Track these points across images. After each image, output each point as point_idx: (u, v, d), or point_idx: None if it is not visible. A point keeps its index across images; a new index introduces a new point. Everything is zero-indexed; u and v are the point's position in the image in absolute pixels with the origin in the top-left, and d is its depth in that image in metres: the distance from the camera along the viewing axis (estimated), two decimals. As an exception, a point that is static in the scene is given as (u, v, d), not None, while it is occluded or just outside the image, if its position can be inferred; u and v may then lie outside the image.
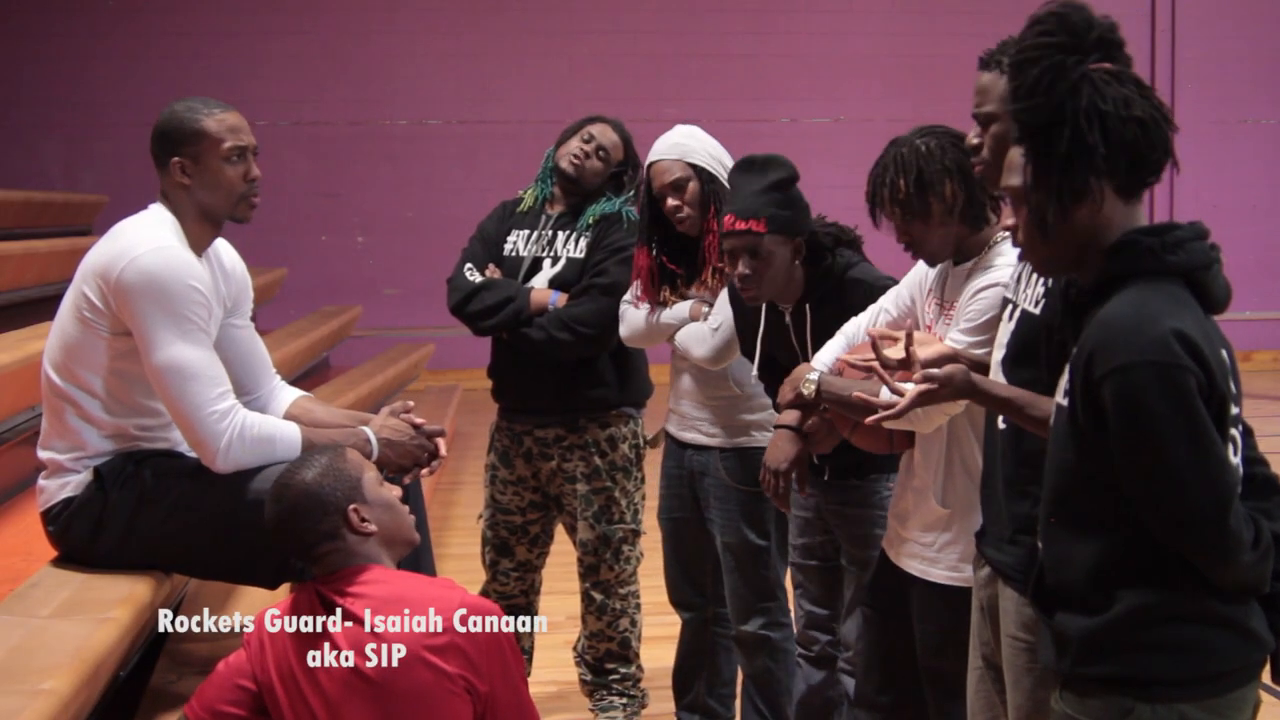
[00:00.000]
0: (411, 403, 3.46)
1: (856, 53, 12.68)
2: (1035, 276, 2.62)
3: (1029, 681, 2.63)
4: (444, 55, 12.30)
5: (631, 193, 4.26)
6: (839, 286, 3.45)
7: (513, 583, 4.37)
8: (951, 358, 2.68)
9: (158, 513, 3.15)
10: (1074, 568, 2.13)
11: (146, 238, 3.13)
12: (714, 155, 3.89)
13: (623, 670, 4.38)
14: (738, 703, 4.17)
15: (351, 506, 2.72)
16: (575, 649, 4.48)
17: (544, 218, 4.29)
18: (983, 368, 2.72)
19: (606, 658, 4.37)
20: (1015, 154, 2.22)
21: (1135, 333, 2.02)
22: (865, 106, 12.49)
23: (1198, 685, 2.08)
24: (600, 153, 4.22)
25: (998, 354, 2.72)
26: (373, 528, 2.73)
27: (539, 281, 4.22)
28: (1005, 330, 2.70)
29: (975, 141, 2.76)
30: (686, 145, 3.89)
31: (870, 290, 3.40)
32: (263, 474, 3.18)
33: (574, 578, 4.43)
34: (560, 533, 4.47)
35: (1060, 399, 2.16)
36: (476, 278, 4.22)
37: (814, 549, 3.67)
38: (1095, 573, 2.10)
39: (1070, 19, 2.18)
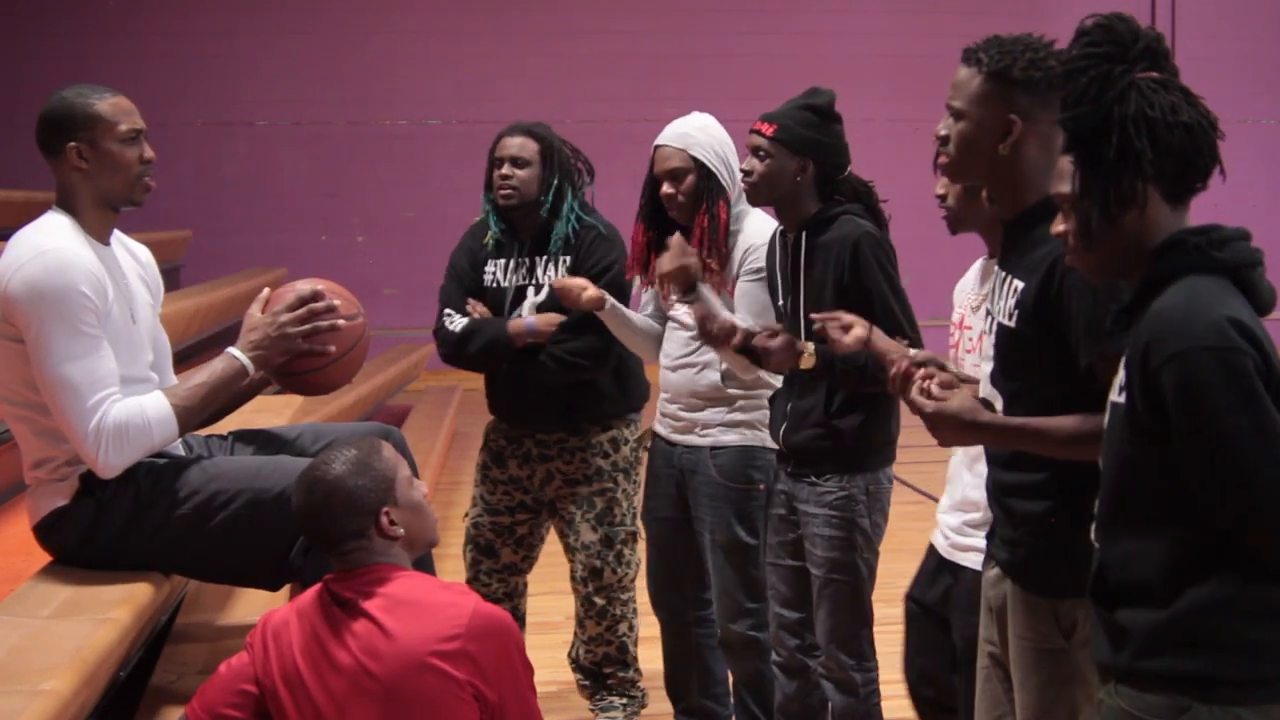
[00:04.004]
0: (266, 289, 3.35)
1: (856, 53, 12.68)
2: (1008, 288, 2.63)
3: (1037, 681, 2.63)
4: (444, 55, 12.31)
5: (582, 186, 4.24)
6: (831, 221, 3.57)
7: (495, 584, 4.33)
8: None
9: (155, 516, 3.13)
10: (1140, 565, 2.12)
11: (31, 245, 3.08)
12: (719, 152, 3.88)
13: (621, 674, 4.36)
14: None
15: (384, 509, 2.68)
16: (570, 655, 4.44)
17: (516, 244, 4.24)
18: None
19: (604, 661, 4.35)
20: (1065, 161, 2.25)
21: (1190, 320, 2.03)
22: (865, 106, 12.47)
23: (1258, 688, 2.06)
24: (517, 163, 4.15)
25: (986, 367, 2.72)
26: (400, 531, 2.70)
27: (526, 310, 4.19)
28: (988, 344, 2.71)
29: (943, 133, 2.76)
30: (693, 137, 3.89)
31: (853, 226, 3.53)
32: (263, 472, 3.18)
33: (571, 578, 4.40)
34: (552, 533, 4.44)
35: (1115, 397, 2.17)
36: (457, 323, 4.19)
37: (787, 546, 3.68)
38: (1162, 569, 2.09)
39: (1116, 30, 2.22)
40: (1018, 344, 2.59)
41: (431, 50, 12.28)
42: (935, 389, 2.55)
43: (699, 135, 3.90)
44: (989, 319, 2.71)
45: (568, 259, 4.18)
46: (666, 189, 3.87)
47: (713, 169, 3.85)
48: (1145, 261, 2.17)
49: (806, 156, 3.57)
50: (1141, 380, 2.07)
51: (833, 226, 3.54)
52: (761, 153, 3.58)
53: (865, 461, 3.59)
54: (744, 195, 3.83)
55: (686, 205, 3.86)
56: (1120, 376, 2.15)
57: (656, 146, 3.92)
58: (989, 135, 2.66)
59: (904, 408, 3.62)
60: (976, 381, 2.82)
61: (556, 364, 4.11)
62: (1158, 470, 2.08)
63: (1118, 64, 2.18)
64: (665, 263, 3.72)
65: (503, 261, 4.26)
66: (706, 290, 3.72)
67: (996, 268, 2.72)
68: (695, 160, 3.86)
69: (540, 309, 4.18)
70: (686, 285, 3.71)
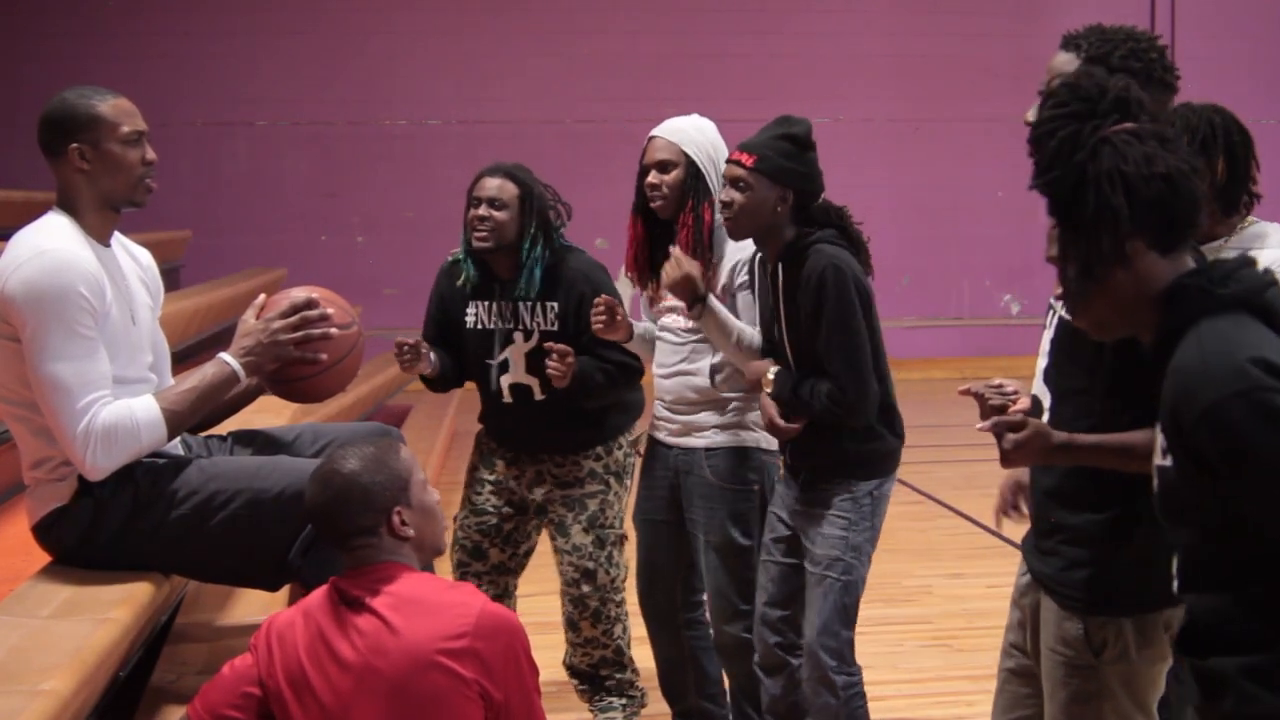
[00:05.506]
0: (261, 295, 3.35)
1: (856, 52, 12.68)
2: None
3: (1064, 695, 2.63)
4: (443, 55, 12.31)
5: (560, 228, 4.17)
6: (803, 251, 3.56)
7: (485, 586, 4.28)
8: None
9: (154, 516, 3.13)
10: (1230, 614, 2.02)
11: (30, 245, 3.07)
12: (710, 154, 3.88)
13: (619, 675, 4.35)
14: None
15: (396, 509, 2.68)
16: (564, 662, 4.42)
17: (496, 285, 4.18)
18: None
19: (601, 664, 4.33)
20: (1050, 226, 2.20)
21: (1210, 371, 1.95)
22: (865, 106, 12.48)
23: None
24: (494, 204, 4.08)
25: (1041, 362, 2.70)
26: (411, 532, 2.69)
27: (514, 354, 4.16)
28: (1045, 338, 2.69)
29: (1033, 119, 2.68)
30: (688, 133, 3.90)
31: (821, 258, 3.50)
32: (262, 473, 3.18)
33: (571, 577, 4.38)
34: (544, 538, 4.43)
35: (1160, 460, 2.08)
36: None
37: (780, 544, 3.71)
38: (1253, 614, 2.01)
39: (1081, 86, 2.18)
40: (1080, 339, 2.55)
41: (431, 50, 12.29)
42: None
43: (693, 133, 3.90)
44: (1050, 313, 2.68)
45: (555, 305, 4.13)
46: (652, 179, 3.87)
47: (702, 168, 3.85)
48: (1150, 316, 2.10)
49: (787, 186, 3.54)
50: (1179, 442, 1.98)
51: (807, 256, 3.53)
52: (741, 184, 3.54)
53: (872, 467, 3.62)
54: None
55: (670, 199, 3.86)
56: (1159, 440, 2.07)
57: (650, 138, 3.93)
58: None
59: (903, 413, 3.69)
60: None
61: (614, 373, 4.10)
62: (1225, 525, 1.99)
63: (1087, 121, 2.14)
64: (669, 272, 3.69)
65: (485, 303, 4.20)
66: (714, 301, 3.73)
67: None
68: (685, 155, 3.86)
69: (530, 355, 4.13)
70: (692, 296, 3.69)
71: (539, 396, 4.16)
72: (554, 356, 3.96)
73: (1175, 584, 2.12)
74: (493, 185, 4.12)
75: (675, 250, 3.73)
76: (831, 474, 3.60)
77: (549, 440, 4.22)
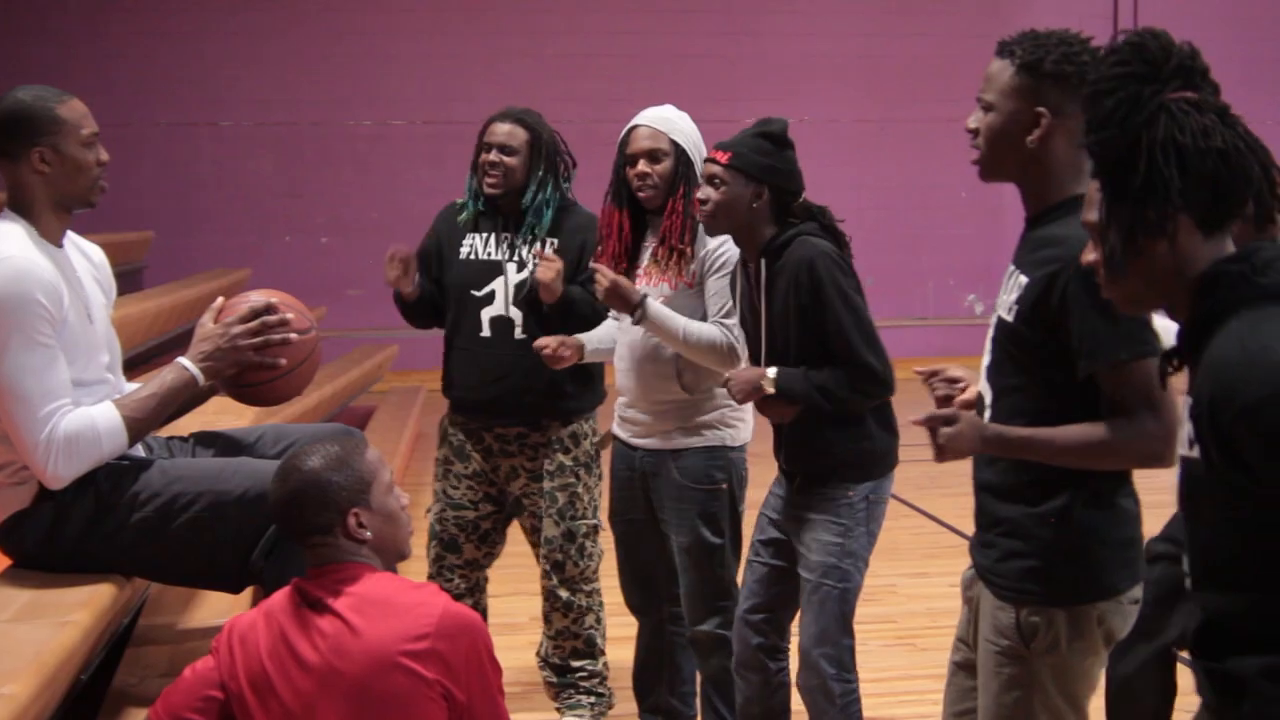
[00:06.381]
0: (220, 299, 3.33)
1: (822, 54, 12.72)
2: (1012, 282, 2.62)
3: (995, 685, 2.65)
4: (409, 56, 12.29)
5: (568, 177, 4.28)
6: (787, 244, 3.57)
7: (457, 579, 4.34)
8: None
9: (115, 519, 3.11)
10: (1252, 616, 1.94)
11: None
12: (695, 142, 3.94)
13: (589, 668, 4.36)
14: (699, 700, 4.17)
15: (353, 510, 2.66)
16: (539, 653, 4.45)
17: (499, 219, 4.27)
18: None
19: (572, 655, 4.35)
20: (1093, 188, 2.11)
21: (1250, 368, 1.85)
22: (831, 107, 12.52)
23: None
24: (505, 150, 4.18)
25: (985, 359, 2.72)
26: (368, 534, 2.67)
27: (498, 286, 4.22)
28: (988, 336, 2.71)
29: (973, 126, 2.70)
30: (675, 123, 3.94)
31: (805, 248, 3.52)
32: (224, 474, 3.16)
33: (537, 579, 4.41)
34: (518, 533, 4.44)
35: (1186, 451, 1.98)
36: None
37: (769, 546, 3.70)
38: (1278, 615, 1.92)
39: (1146, 47, 2.08)
40: (1013, 340, 2.59)
41: (396, 51, 12.26)
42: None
43: (680, 122, 3.95)
44: (994, 312, 2.71)
45: (555, 241, 4.20)
46: (642, 167, 3.89)
47: (691, 156, 3.90)
48: (1185, 296, 2.01)
49: (762, 183, 3.56)
50: (1214, 438, 1.89)
51: (788, 249, 3.55)
52: (717, 180, 3.57)
53: (867, 470, 3.61)
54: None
55: (660, 188, 3.89)
56: (1188, 428, 1.98)
57: (634, 127, 3.94)
58: (1017, 128, 2.62)
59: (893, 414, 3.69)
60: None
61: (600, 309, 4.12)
62: (1252, 521, 1.91)
63: (1148, 84, 2.03)
64: (599, 284, 3.79)
65: (483, 235, 4.27)
66: (652, 304, 3.80)
67: (1011, 263, 2.69)
68: (675, 145, 3.89)
69: (519, 287, 4.19)
70: (627, 304, 3.78)
71: (519, 334, 4.18)
72: (545, 255, 4.05)
73: (1189, 581, 2.05)
74: (503, 131, 4.20)
75: (595, 265, 3.81)
76: (825, 478, 3.57)
77: (514, 395, 4.20)
